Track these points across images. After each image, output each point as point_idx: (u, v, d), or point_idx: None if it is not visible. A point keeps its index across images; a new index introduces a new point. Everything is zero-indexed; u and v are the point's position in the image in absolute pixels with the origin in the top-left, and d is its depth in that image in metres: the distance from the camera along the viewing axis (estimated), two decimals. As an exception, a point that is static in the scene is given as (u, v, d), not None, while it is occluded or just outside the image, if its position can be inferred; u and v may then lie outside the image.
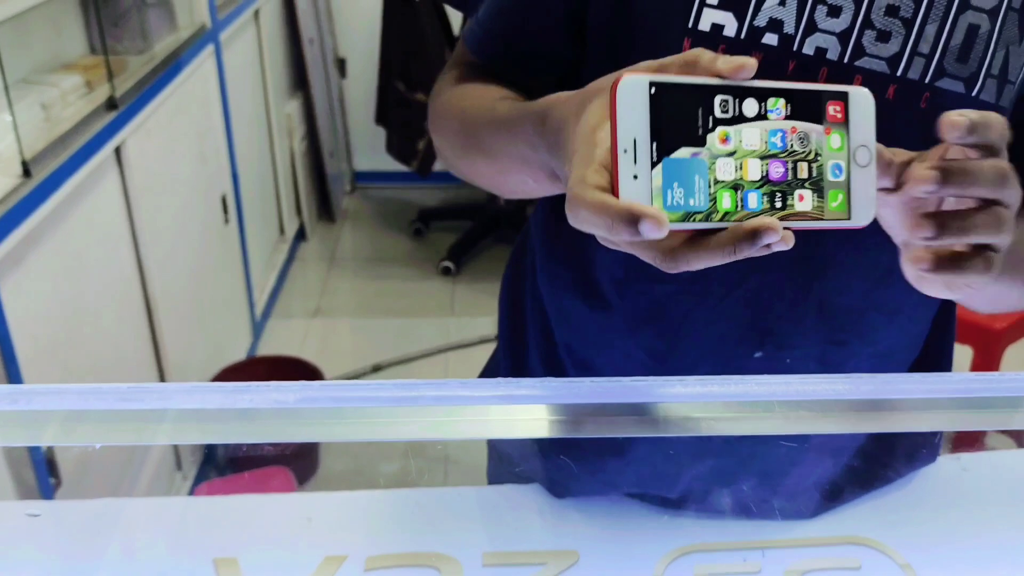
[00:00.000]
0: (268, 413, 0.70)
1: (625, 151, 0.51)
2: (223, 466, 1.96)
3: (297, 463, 2.20)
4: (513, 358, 1.01)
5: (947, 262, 0.56)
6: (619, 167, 0.51)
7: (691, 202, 0.52)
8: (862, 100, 0.56)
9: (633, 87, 0.51)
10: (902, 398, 0.70)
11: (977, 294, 0.63)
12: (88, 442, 0.75)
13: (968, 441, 1.00)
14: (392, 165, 3.97)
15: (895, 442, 0.96)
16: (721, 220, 0.53)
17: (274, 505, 0.98)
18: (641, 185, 0.51)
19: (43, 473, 1.57)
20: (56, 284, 1.75)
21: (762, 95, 0.54)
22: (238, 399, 0.69)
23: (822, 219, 0.55)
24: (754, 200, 0.53)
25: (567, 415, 0.71)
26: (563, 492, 0.97)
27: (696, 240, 0.52)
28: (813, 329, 0.83)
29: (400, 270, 3.73)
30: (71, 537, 0.94)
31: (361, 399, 0.70)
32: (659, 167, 0.51)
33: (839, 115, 0.55)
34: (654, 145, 0.51)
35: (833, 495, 0.95)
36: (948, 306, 0.92)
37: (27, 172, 1.60)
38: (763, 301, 0.81)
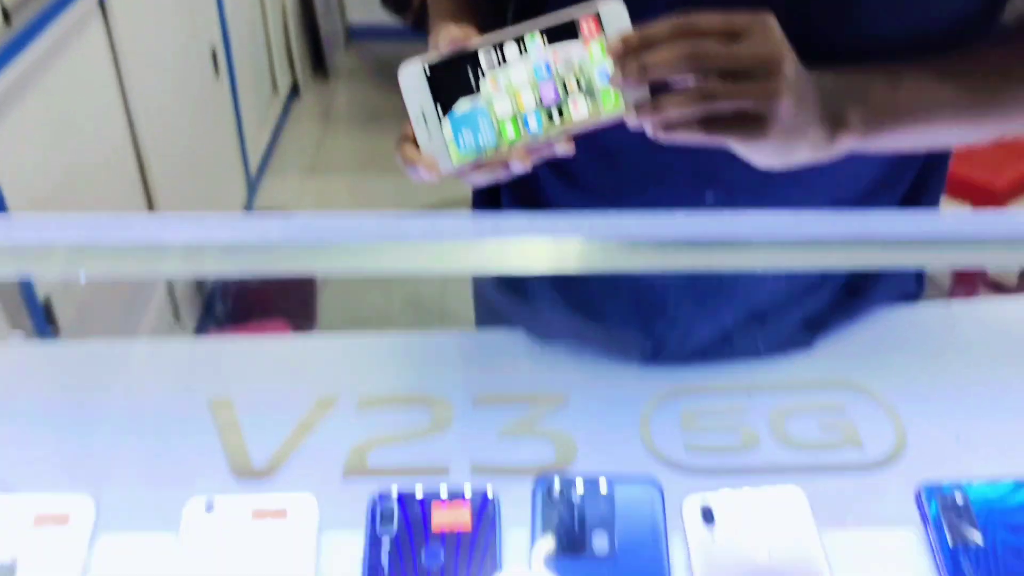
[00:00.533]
0: (267, 247, 0.70)
1: (417, 121, 0.67)
2: (221, 319, 1.98)
3: (294, 315, 2.23)
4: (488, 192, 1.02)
5: (704, 124, 0.63)
6: (417, 134, 0.68)
7: (481, 141, 0.67)
8: (613, 10, 0.64)
9: (410, 71, 0.66)
10: (884, 233, 0.69)
11: (767, 152, 0.66)
12: (80, 272, 0.75)
13: (958, 287, 1.00)
14: (387, 19, 3.86)
15: (879, 276, 0.96)
16: (511, 147, 0.66)
17: (268, 348, 0.99)
18: (436, 142, 0.67)
19: (40, 320, 1.59)
20: (46, 141, 1.72)
21: (519, 38, 0.65)
22: (235, 229, 0.69)
23: (600, 118, 0.66)
24: (533, 123, 0.66)
25: (562, 249, 0.71)
26: (549, 336, 0.98)
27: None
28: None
29: (396, 127, 3.67)
30: (68, 377, 0.96)
31: (356, 231, 0.70)
32: (446, 122, 0.66)
33: (594, 30, 0.65)
34: (438, 108, 0.66)
35: (817, 327, 0.96)
36: (934, 156, 0.91)
37: (7, 18, 1.56)
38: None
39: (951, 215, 0.79)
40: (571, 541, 0.63)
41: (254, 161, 3.14)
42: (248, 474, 0.84)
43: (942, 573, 0.62)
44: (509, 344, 0.99)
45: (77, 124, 1.84)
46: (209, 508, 0.64)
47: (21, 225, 0.72)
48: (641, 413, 0.90)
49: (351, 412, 0.90)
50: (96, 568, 0.63)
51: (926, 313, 1.01)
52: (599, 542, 0.63)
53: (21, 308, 1.54)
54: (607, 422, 0.90)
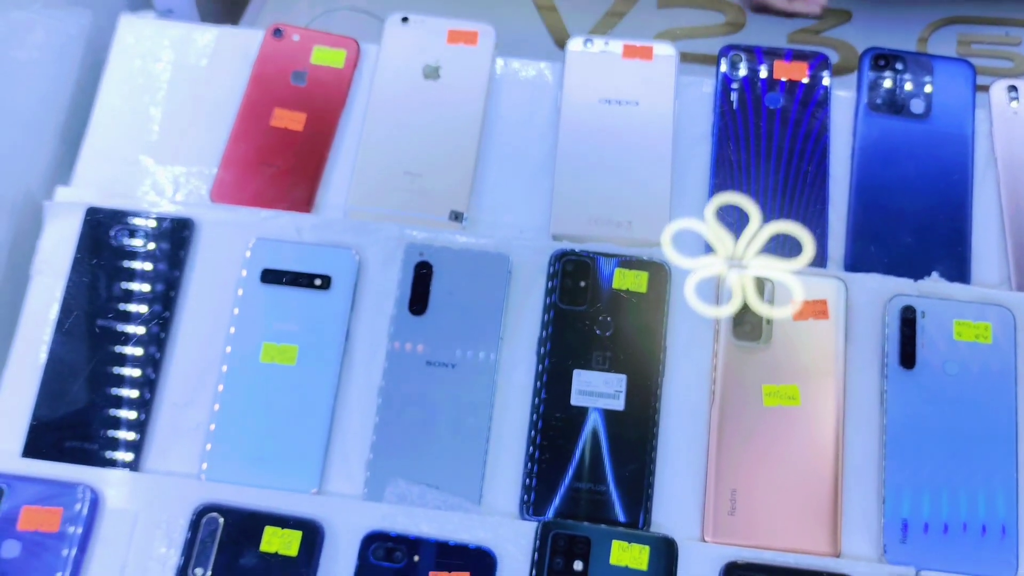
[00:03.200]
0: None
1: None
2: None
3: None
4: None
5: None
6: None
7: None
8: None
9: None
10: None
11: None
12: None
13: None
14: None
15: None
16: None
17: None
18: None
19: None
20: None
21: None
22: None
23: None
24: None
25: None
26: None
27: None
28: None
29: None
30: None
31: None
32: None
33: None
34: None
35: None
36: None
37: None
38: None
39: None
40: (891, 103, 0.74)
41: None
42: None
43: None
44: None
45: None
46: (587, 42, 0.76)
47: None
48: (919, 34, 0.98)
49: (653, 7, 1.00)
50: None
51: None
52: (916, 105, 0.74)
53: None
54: (888, 38, 0.98)
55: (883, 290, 0.68)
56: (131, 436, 0.64)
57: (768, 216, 0.71)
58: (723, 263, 0.69)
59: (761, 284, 0.67)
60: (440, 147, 0.73)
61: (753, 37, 0.98)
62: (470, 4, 0.98)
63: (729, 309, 0.67)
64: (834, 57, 0.96)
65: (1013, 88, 0.74)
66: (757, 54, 0.75)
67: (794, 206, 0.71)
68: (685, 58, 0.89)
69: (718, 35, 0.98)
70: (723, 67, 0.75)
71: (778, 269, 0.68)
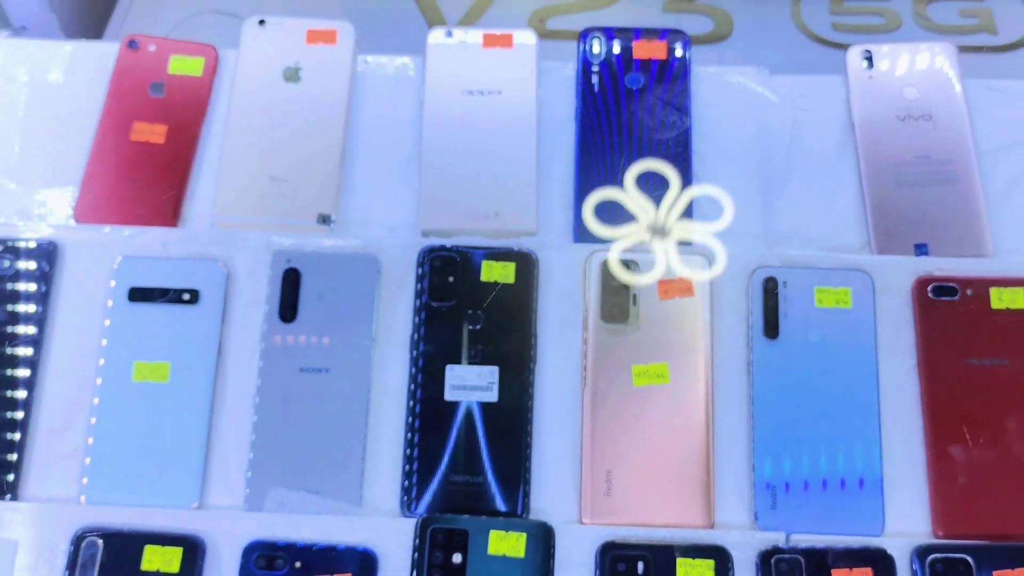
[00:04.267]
0: None
1: None
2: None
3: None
4: None
5: None
6: None
7: None
8: None
9: None
10: None
11: None
12: None
13: None
14: None
15: None
16: None
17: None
18: None
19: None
20: None
21: None
22: None
23: None
24: None
25: None
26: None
27: None
28: None
29: None
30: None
31: None
32: None
33: None
34: None
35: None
36: None
37: None
38: None
39: None
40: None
41: None
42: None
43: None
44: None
45: None
46: (448, 34, 0.76)
47: None
48: (793, -4, 0.99)
49: (530, -15, 1.00)
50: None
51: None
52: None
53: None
54: (761, 5, 0.99)
55: (747, 262, 0.69)
56: (9, 461, 0.64)
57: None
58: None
59: (627, 265, 0.68)
60: (304, 150, 0.73)
61: (629, 9, 0.98)
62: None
63: (594, 291, 0.68)
64: (708, 25, 0.97)
65: (867, 52, 0.76)
66: (615, 35, 0.76)
67: (659, 186, 0.72)
68: (559, 36, 0.89)
69: (594, 8, 0.98)
70: (582, 50, 0.76)
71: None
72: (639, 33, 0.76)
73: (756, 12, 0.98)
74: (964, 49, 0.93)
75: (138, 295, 0.67)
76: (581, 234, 0.71)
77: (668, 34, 0.76)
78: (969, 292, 0.67)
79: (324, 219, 0.71)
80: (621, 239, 0.70)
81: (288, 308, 0.67)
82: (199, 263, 0.68)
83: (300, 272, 0.68)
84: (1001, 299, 0.67)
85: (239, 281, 0.68)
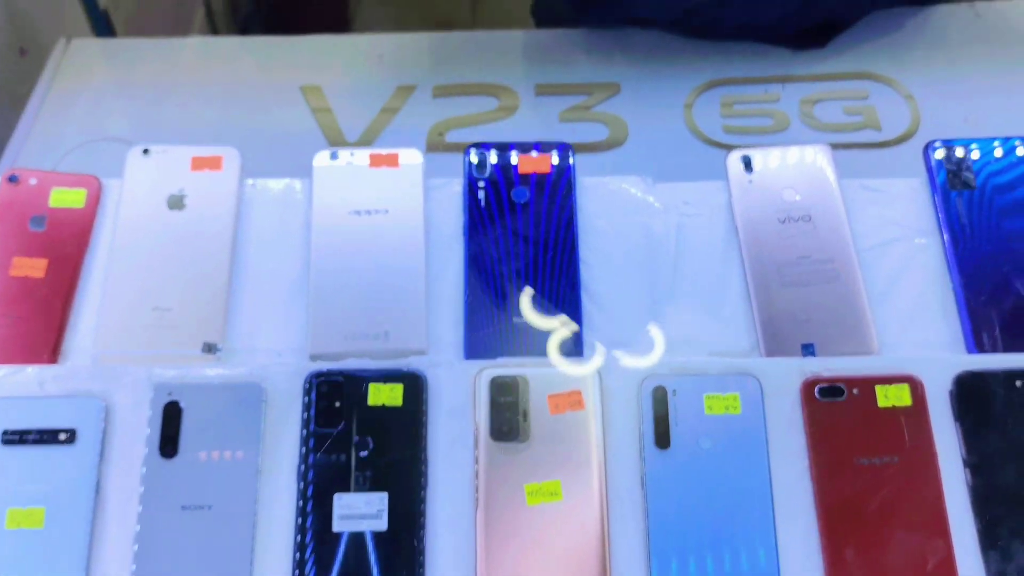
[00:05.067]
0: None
1: None
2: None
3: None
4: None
5: None
6: None
7: None
8: None
9: None
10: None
11: None
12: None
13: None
14: None
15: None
16: None
17: (349, 43, 1.09)
18: None
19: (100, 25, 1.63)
20: None
21: None
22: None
23: None
24: None
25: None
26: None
27: None
28: None
29: None
30: (151, 71, 1.06)
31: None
32: None
33: None
34: None
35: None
36: None
37: None
38: None
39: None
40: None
41: None
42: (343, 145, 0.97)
43: (939, 211, 0.75)
44: (567, 40, 1.08)
45: None
46: (333, 156, 0.76)
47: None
48: (685, 100, 1.01)
49: (427, 98, 1.02)
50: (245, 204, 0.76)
51: (951, 13, 1.09)
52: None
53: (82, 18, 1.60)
54: (655, 107, 1.01)
55: (637, 372, 0.69)
56: None
57: (520, 309, 0.72)
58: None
59: (515, 381, 0.68)
60: (189, 278, 0.72)
61: (527, 119, 1.00)
62: (245, 109, 0.98)
63: (483, 409, 0.67)
64: (604, 132, 0.99)
65: (746, 157, 0.77)
66: (499, 150, 0.77)
67: (548, 297, 0.72)
68: (458, 149, 0.90)
69: (493, 121, 1.00)
70: (468, 166, 0.76)
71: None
72: (522, 147, 0.77)
73: (650, 117, 1.00)
74: (848, 146, 0.96)
75: (11, 438, 0.65)
76: (471, 350, 0.70)
77: (550, 147, 0.77)
78: (855, 392, 0.68)
79: (210, 348, 0.69)
80: (509, 355, 0.70)
81: (168, 443, 0.65)
82: (76, 400, 0.66)
83: (181, 405, 0.66)
84: (887, 397, 0.68)
85: (119, 417, 0.66)
